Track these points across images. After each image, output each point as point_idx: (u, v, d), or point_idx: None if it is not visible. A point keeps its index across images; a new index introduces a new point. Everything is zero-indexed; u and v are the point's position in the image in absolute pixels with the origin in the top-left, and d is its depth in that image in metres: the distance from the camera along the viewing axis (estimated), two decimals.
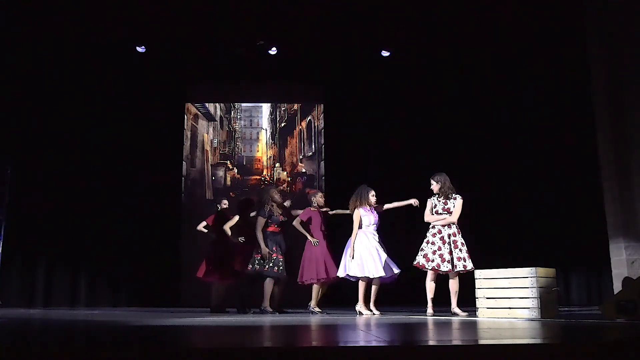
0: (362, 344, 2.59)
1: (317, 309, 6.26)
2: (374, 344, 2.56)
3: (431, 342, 2.72)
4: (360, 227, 5.97)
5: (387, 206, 6.13)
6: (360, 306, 5.81)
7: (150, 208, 8.88)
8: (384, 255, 5.82)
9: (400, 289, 7.89)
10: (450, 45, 8.85)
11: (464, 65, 9.18)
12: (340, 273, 5.93)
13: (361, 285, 5.83)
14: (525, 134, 8.86)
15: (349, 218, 6.08)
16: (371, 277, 5.76)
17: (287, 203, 6.72)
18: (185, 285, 8.81)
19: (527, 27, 8.22)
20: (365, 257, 5.78)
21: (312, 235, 6.34)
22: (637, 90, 6.09)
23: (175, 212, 9.33)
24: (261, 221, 6.38)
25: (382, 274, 5.71)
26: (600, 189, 6.42)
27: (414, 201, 5.96)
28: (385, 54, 9.15)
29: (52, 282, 8.59)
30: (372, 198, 6.03)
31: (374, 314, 5.72)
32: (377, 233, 5.99)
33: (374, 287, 5.88)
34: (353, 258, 5.83)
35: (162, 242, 8.91)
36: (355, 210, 5.99)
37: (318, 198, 6.55)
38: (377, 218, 6.02)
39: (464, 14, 8.07)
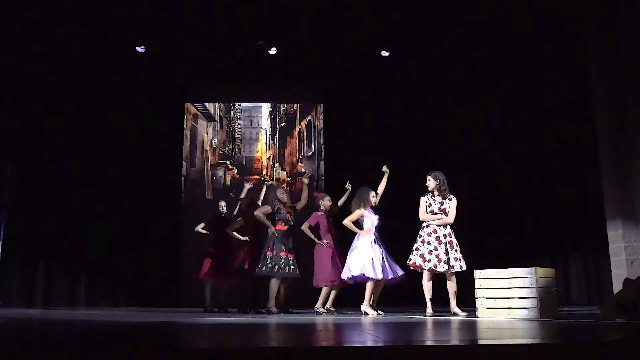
0: (361, 344, 2.59)
1: (322, 310, 6.27)
2: (373, 344, 2.56)
3: (431, 342, 2.72)
4: (361, 227, 5.96)
5: (379, 192, 6.13)
6: (365, 306, 5.77)
7: (150, 208, 8.88)
8: (387, 258, 5.82)
9: (400, 289, 7.90)
10: (449, 45, 8.85)
11: (463, 65, 9.18)
12: (353, 272, 5.83)
13: (369, 286, 5.79)
14: (524, 136, 8.85)
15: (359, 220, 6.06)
16: (379, 278, 5.71)
17: (248, 185, 7.03)
18: (185, 285, 8.80)
19: (525, 24, 8.21)
20: (374, 258, 5.74)
21: (320, 239, 6.38)
22: (637, 90, 6.10)
23: (175, 212, 9.33)
24: (266, 208, 6.44)
25: (389, 275, 5.71)
26: (600, 188, 6.42)
27: (385, 170, 6.18)
28: (384, 54, 9.16)
29: (51, 283, 8.59)
30: (373, 199, 6.01)
31: (379, 314, 5.71)
32: (378, 233, 5.96)
33: (369, 288, 5.85)
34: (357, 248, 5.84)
35: (162, 242, 8.91)
36: (358, 210, 5.98)
37: (326, 202, 6.56)
38: (379, 219, 6.00)
39: (463, 14, 8.08)
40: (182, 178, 9.71)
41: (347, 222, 5.96)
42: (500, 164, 8.93)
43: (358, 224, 6.02)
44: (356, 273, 5.80)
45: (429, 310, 5.48)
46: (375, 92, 9.53)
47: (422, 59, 9.25)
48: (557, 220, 8.49)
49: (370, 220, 5.94)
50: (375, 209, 6.08)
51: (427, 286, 5.53)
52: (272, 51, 9.04)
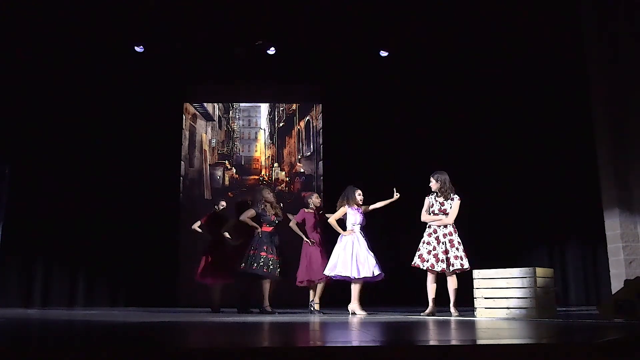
0: (361, 344, 2.59)
1: (317, 307, 6.29)
2: (372, 344, 2.56)
3: (429, 342, 2.72)
4: (344, 225, 6.04)
5: (372, 206, 6.16)
6: (353, 306, 5.83)
7: (149, 208, 8.86)
8: (371, 256, 5.85)
9: (400, 289, 7.92)
10: (448, 45, 8.86)
11: (462, 65, 9.19)
12: (331, 272, 5.93)
13: (355, 286, 5.86)
14: (523, 135, 8.86)
15: (344, 218, 6.11)
16: (364, 276, 5.77)
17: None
18: (184, 285, 8.79)
19: (524, 23, 8.21)
20: (359, 257, 5.80)
21: (307, 236, 6.41)
22: (637, 93, 6.11)
23: (174, 212, 9.32)
24: (251, 212, 6.44)
25: (369, 274, 5.74)
26: (599, 187, 6.43)
27: (396, 196, 6.00)
28: (383, 53, 9.16)
29: (50, 282, 8.58)
30: (359, 197, 6.06)
31: (368, 314, 5.73)
32: (363, 232, 6.00)
33: (356, 287, 5.88)
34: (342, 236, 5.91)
35: (161, 242, 8.90)
36: (342, 207, 6.05)
37: (314, 199, 6.60)
38: (364, 218, 6.05)
39: (462, 13, 8.08)
40: (181, 178, 9.70)
41: (332, 220, 6.07)
42: (499, 165, 8.92)
43: (343, 222, 6.09)
44: (330, 273, 5.89)
45: (428, 310, 5.49)
46: (374, 92, 9.53)
47: (421, 59, 9.26)
48: (556, 219, 8.49)
49: (354, 218, 5.98)
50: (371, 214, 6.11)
51: (430, 287, 5.56)
52: (271, 51, 9.04)
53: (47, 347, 2.44)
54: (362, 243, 5.88)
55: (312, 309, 6.27)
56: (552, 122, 8.61)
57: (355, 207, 6.04)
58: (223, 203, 7.31)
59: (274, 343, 2.70)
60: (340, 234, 6.01)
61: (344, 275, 5.82)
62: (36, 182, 8.52)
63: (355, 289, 5.85)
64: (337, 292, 6.61)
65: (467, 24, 8.31)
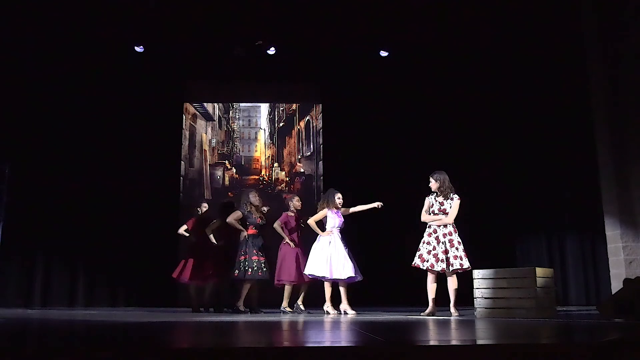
0: (361, 344, 2.59)
1: (288, 309, 6.45)
2: (372, 344, 2.56)
3: (429, 342, 2.72)
4: (324, 227, 6.15)
5: (352, 209, 6.27)
6: (327, 306, 5.97)
7: (149, 208, 8.86)
8: (348, 260, 5.94)
9: (400, 289, 7.92)
10: (449, 45, 8.85)
11: (462, 65, 9.19)
12: (307, 271, 6.06)
13: (327, 286, 6.00)
14: (523, 136, 8.86)
15: (324, 220, 6.21)
16: (336, 278, 5.90)
17: (264, 209, 6.83)
18: (183, 285, 8.77)
19: (524, 23, 8.21)
20: (333, 258, 5.93)
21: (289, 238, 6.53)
22: (638, 93, 6.10)
23: (174, 212, 9.30)
24: (237, 214, 6.50)
25: (350, 274, 5.87)
26: (599, 187, 6.43)
27: (377, 204, 6.07)
28: (383, 54, 9.16)
29: (50, 282, 8.58)
30: (338, 200, 6.18)
31: (339, 313, 5.86)
32: (342, 235, 6.10)
33: (342, 288, 5.99)
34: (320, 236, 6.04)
35: (161, 242, 8.88)
36: (323, 209, 6.18)
37: (295, 202, 6.73)
38: (343, 221, 6.17)
39: (462, 13, 8.08)
40: (181, 178, 9.70)
41: (311, 221, 6.20)
42: (500, 165, 8.92)
43: (322, 224, 6.20)
44: (306, 272, 6.05)
45: (428, 310, 5.49)
46: (374, 92, 9.52)
47: (420, 59, 9.26)
48: (556, 220, 8.50)
49: (333, 221, 6.11)
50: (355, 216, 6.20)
51: (430, 287, 5.57)
52: (271, 51, 9.04)
53: (47, 347, 2.43)
54: (340, 245, 6.01)
55: (282, 311, 6.39)
56: (552, 122, 8.61)
57: (335, 210, 6.15)
58: (205, 205, 7.39)
59: (273, 343, 2.70)
60: (317, 236, 6.14)
61: (318, 275, 5.97)
62: (36, 181, 8.51)
63: (326, 288, 5.99)
64: (319, 292, 6.64)
65: (467, 24, 8.31)
